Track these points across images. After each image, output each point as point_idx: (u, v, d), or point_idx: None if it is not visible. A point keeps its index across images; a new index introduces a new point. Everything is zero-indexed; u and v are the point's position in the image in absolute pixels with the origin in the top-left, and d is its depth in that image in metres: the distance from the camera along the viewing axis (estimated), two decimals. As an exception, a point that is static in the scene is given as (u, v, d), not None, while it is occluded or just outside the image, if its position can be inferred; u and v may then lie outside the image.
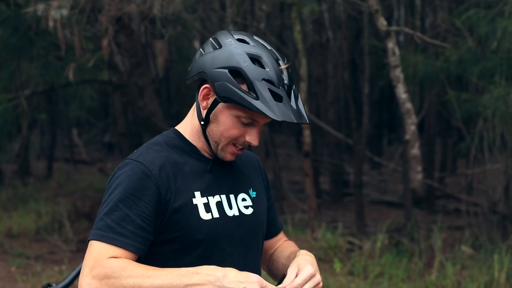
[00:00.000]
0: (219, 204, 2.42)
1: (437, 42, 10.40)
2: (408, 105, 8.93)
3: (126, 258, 2.25)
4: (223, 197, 2.45)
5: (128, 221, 2.26)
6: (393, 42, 8.94)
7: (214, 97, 2.35)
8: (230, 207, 2.45)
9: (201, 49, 2.42)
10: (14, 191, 14.34)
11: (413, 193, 9.25)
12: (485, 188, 11.24)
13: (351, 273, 8.65)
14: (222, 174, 2.49)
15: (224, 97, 2.29)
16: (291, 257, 2.59)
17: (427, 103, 14.25)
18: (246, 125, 2.36)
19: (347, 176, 16.06)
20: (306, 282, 2.33)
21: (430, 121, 14.38)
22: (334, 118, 14.68)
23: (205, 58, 2.36)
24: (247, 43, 2.35)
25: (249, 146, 2.50)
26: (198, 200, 2.38)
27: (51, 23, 8.84)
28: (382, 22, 8.99)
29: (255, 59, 2.31)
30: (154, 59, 11.02)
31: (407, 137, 8.99)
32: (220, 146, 2.40)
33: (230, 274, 2.16)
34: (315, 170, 13.33)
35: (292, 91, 2.34)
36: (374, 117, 18.75)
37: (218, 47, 2.35)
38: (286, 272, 2.39)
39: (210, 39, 2.42)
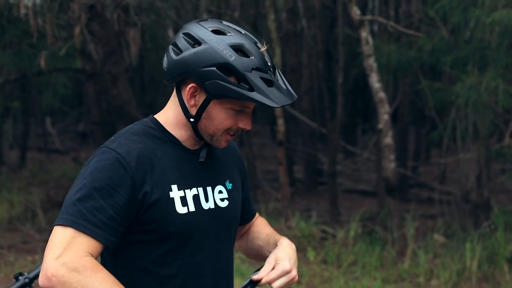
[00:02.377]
0: (196, 197, 2.41)
1: (410, 31, 10.45)
2: (381, 94, 8.96)
3: (95, 247, 2.23)
4: (200, 189, 2.44)
5: (101, 211, 2.23)
6: (366, 32, 8.96)
7: (204, 95, 2.32)
8: (207, 199, 2.45)
9: (172, 48, 2.36)
10: (-13, 180, 14.22)
11: (386, 182, 9.29)
12: (458, 177, 11.31)
13: (324, 261, 8.69)
14: (201, 166, 2.47)
15: (218, 94, 2.27)
16: (271, 242, 2.63)
17: (400, 92, 14.31)
18: (238, 112, 2.35)
19: (321, 165, 16.10)
20: (280, 277, 2.41)
21: (403, 110, 14.44)
22: (308, 108, 14.69)
23: (185, 57, 2.30)
24: (224, 33, 2.31)
25: None
26: (175, 193, 2.36)
27: (23, 11, 8.77)
28: (355, 12, 9.02)
29: (237, 49, 2.28)
30: (127, 48, 10.95)
31: (380, 126, 9.03)
32: (215, 138, 2.39)
33: None
34: (289, 159, 13.35)
35: (276, 70, 2.35)
36: (348, 106, 18.81)
37: (197, 44, 2.30)
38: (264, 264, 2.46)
39: (181, 35, 2.35)
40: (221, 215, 2.48)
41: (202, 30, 2.31)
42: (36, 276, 3.28)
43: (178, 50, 2.33)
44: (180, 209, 2.36)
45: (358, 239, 9.18)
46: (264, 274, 2.40)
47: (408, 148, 15.70)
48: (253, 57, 2.28)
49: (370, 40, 8.96)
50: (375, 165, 13.37)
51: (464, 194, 10.48)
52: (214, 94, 2.28)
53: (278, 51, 10.25)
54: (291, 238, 9.68)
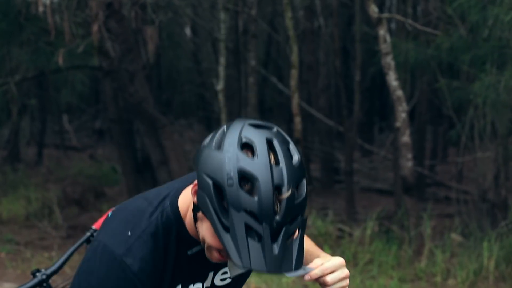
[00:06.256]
0: None
1: (428, 29, 10.39)
2: (399, 93, 8.93)
3: None
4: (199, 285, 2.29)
5: None
6: (384, 29, 8.93)
7: None
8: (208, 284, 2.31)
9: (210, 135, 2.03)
10: (4, 177, 14.29)
11: (404, 181, 9.25)
12: (475, 176, 11.25)
13: (341, 260, 8.65)
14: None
15: (201, 209, 1.95)
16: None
17: (418, 90, 14.25)
18: None
19: (338, 163, 16.06)
20: (334, 272, 2.07)
21: (421, 108, 14.38)
22: (325, 105, 14.65)
23: (202, 153, 1.96)
24: (247, 153, 1.91)
25: None
26: None
27: (41, 8, 8.79)
28: (373, 9, 8.98)
29: (246, 179, 1.86)
30: (145, 45, 10.97)
31: (398, 124, 8.99)
32: (205, 246, 2.06)
33: None
34: (305, 157, 13.32)
35: (284, 229, 1.87)
36: (365, 104, 18.76)
37: (217, 148, 1.93)
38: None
39: (224, 127, 2.00)
40: None
41: (233, 137, 1.94)
42: (53, 273, 3.29)
43: (205, 142, 2.01)
44: None
45: (375, 237, 9.15)
46: (315, 266, 2.04)
47: (425, 147, 15.63)
48: (255, 198, 1.85)
49: (388, 38, 8.93)
50: (392, 163, 13.32)
51: (482, 193, 10.41)
52: (197, 204, 1.98)
53: (295, 48, 10.23)
54: (308, 237, 9.66)
